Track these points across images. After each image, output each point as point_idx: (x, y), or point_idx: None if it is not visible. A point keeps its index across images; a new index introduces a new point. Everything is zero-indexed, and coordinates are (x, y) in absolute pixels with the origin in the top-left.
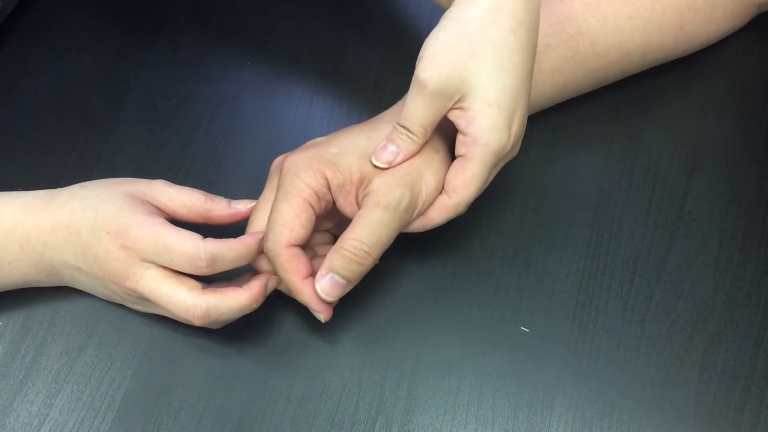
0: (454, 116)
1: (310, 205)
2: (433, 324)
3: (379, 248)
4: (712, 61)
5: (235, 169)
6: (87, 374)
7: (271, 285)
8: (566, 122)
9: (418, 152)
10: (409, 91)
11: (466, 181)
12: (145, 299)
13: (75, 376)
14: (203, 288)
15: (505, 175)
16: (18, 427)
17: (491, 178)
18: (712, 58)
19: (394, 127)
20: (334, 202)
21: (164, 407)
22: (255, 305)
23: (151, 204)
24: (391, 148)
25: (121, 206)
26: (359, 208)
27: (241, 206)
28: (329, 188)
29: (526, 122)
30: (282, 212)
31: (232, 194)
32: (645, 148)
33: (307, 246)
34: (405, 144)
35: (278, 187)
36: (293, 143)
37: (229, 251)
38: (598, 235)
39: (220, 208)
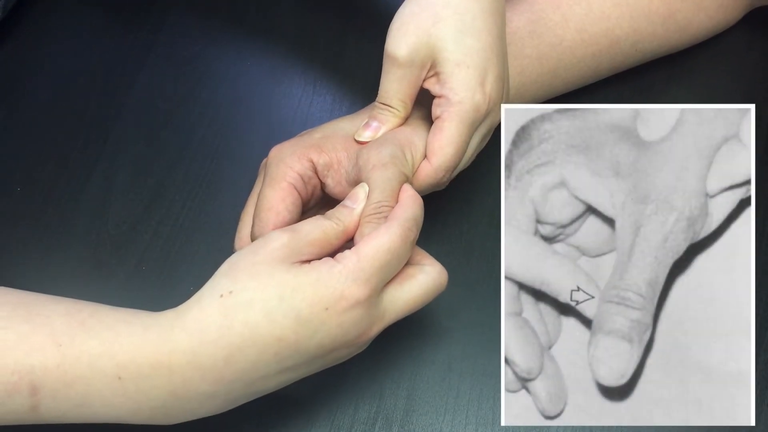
0: (429, 84)
1: (296, 189)
2: (433, 324)
3: (395, 198)
4: (713, 59)
5: (235, 169)
6: None
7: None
8: None
9: (401, 125)
10: (382, 68)
11: (443, 142)
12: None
13: None
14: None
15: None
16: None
17: (473, 144)
18: (713, 56)
19: (375, 106)
20: (323, 188)
21: None
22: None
23: (301, 259)
24: (374, 124)
25: (299, 286)
26: (350, 187)
27: (361, 198)
28: (315, 171)
29: (504, 86)
30: (267, 197)
31: (231, 194)
32: None
33: None
34: (386, 118)
35: (265, 175)
36: None
37: (415, 208)
38: None
39: (350, 220)
